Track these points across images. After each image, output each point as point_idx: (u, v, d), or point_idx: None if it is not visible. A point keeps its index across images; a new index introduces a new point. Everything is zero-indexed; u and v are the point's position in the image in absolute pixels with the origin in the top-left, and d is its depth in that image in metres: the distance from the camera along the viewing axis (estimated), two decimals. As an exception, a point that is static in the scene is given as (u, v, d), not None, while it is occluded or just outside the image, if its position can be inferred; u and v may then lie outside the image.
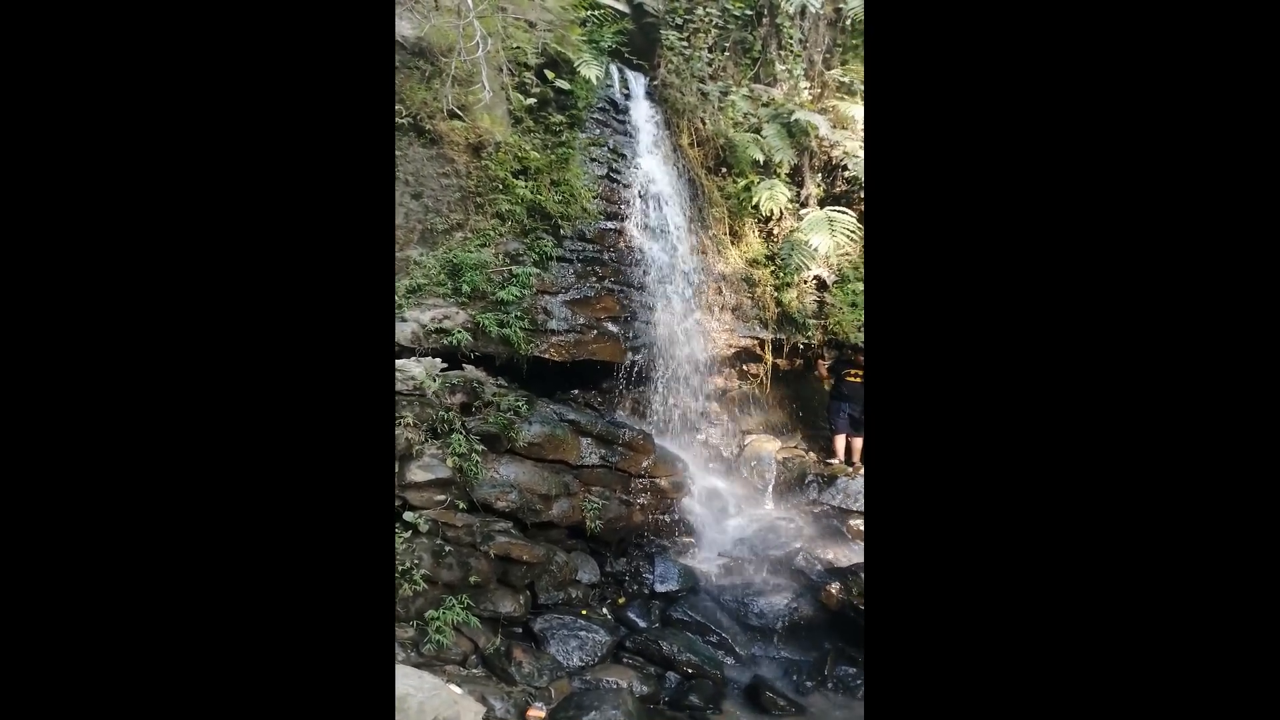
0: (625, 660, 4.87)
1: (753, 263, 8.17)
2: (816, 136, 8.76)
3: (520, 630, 4.85)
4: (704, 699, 4.62)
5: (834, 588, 5.69)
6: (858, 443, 7.78)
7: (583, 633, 4.87)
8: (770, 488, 7.60)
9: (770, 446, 7.95)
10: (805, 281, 8.51)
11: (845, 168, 8.85)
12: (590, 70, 6.65)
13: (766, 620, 5.67)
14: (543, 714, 4.01)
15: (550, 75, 6.47)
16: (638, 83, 7.92)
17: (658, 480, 6.14)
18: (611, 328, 6.49)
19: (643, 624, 5.31)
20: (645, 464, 6.03)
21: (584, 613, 5.16)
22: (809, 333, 8.13)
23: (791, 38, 9.45)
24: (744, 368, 8.21)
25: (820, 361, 8.17)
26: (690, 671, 4.84)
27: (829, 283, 8.59)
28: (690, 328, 7.34)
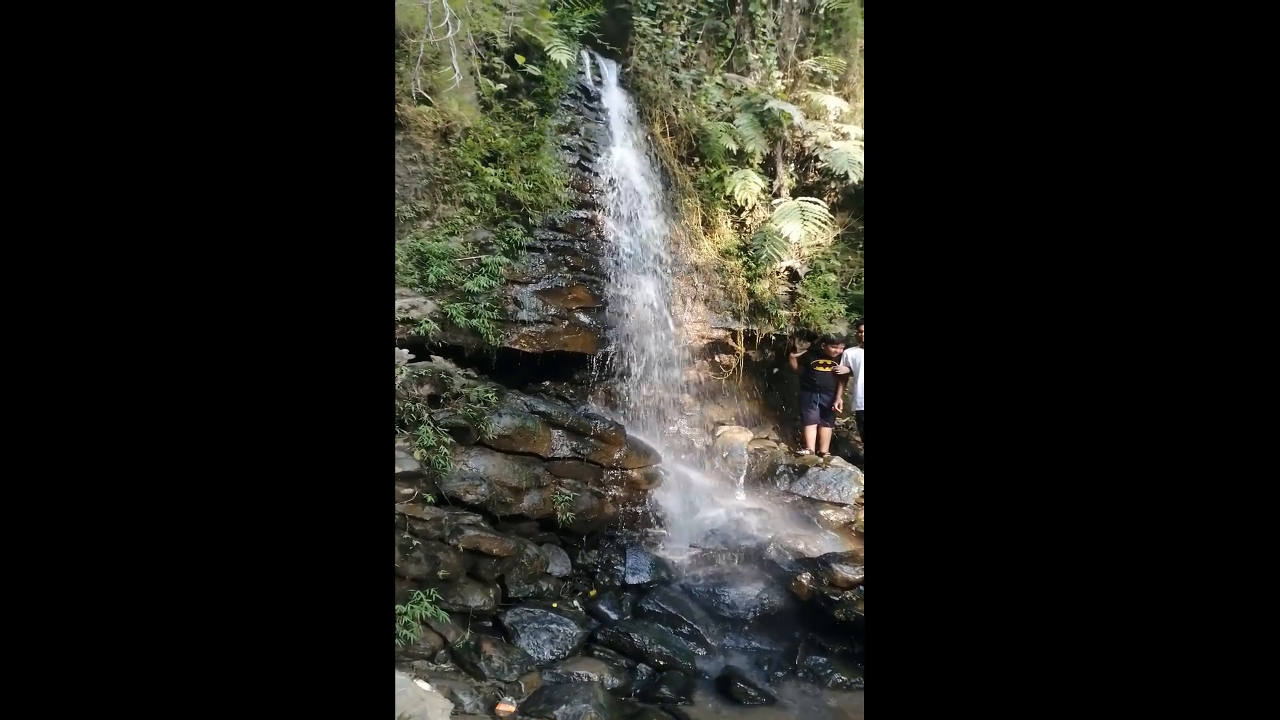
0: (596, 653, 4.83)
1: (725, 253, 8.14)
2: (790, 126, 8.74)
3: (490, 624, 4.79)
4: (675, 690, 4.60)
5: (805, 578, 5.70)
6: (827, 433, 7.83)
7: (554, 626, 4.82)
8: (742, 478, 7.59)
9: (742, 437, 7.94)
10: (778, 272, 8.51)
11: (817, 159, 8.84)
12: (562, 55, 6.56)
13: (738, 611, 5.66)
14: (512, 708, 3.96)
15: (520, 59, 6.36)
16: (610, 70, 7.84)
17: (629, 472, 6.09)
18: (583, 318, 6.43)
19: (614, 616, 5.27)
20: (617, 455, 5.98)
21: (555, 606, 5.11)
22: (780, 324, 8.12)
23: (765, 26, 9.41)
24: (716, 359, 8.19)
25: (791, 354, 8.17)
26: (661, 663, 4.81)
27: (800, 274, 8.59)
28: (663, 319, 7.30)
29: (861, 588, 5.54)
